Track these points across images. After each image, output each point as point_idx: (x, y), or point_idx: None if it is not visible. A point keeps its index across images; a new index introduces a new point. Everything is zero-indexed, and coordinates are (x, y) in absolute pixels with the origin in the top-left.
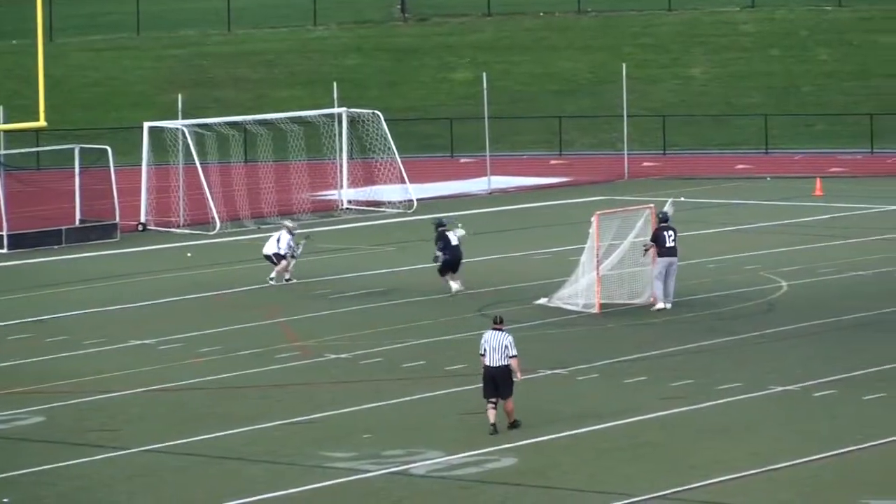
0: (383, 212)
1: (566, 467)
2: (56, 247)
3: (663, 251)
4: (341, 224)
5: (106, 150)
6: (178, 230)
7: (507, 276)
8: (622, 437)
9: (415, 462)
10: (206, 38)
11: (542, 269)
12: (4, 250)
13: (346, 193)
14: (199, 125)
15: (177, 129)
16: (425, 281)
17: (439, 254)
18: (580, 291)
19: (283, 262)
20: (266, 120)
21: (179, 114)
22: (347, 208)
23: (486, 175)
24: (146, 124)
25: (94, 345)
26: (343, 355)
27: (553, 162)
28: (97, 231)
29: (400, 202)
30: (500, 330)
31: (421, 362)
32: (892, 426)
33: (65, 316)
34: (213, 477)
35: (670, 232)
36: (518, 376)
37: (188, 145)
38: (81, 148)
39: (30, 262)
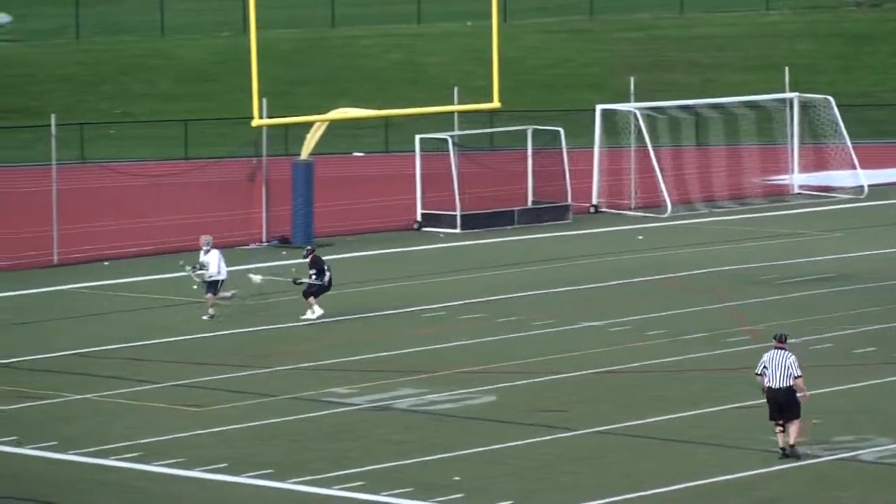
0: (834, 197)
1: None
2: (508, 227)
3: None
4: (792, 209)
5: (558, 132)
6: (629, 212)
7: None
8: None
9: (864, 448)
10: (659, 21)
11: None
12: (457, 230)
13: (797, 178)
14: (650, 108)
15: (629, 111)
16: (875, 268)
17: (307, 280)
18: None
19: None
20: (717, 104)
21: (631, 96)
22: (798, 193)
23: None
24: (598, 107)
25: (543, 326)
26: (792, 340)
27: None
28: (549, 212)
29: (851, 188)
30: (782, 349)
31: (871, 349)
32: None
33: (513, 297)
34: (662, 459)
35: None
36: (805, 395)
37: (640, 128)
38: (534, 129)
39: (481, 242)
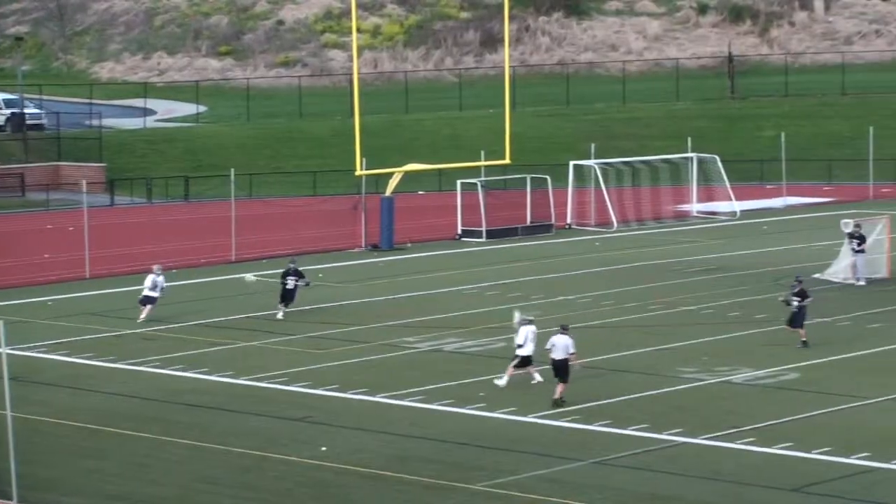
0: (718, 218)
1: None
2: (515, 237)
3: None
4: (692, 225)
5: (546, 178)
6: (590, 228)
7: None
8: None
9: None
10: (609, 108)
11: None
12: (483, 239)
13: (695, 206)
14: (604, 163)
15: (590, 165)
16: (749, 262)
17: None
18: (840, 269)
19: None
20: (645, 160)
21: (592, 155)
22: (696, 215)
23: None
24: (571, 162)
25: (535, 297)
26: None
27: None
28: (540, 228)
29: (728, 212)
30: None
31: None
32: None
33: (519, 280)
34: None
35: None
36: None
37: (597, 175)
38: (531, 177)
39: (498, 247)
